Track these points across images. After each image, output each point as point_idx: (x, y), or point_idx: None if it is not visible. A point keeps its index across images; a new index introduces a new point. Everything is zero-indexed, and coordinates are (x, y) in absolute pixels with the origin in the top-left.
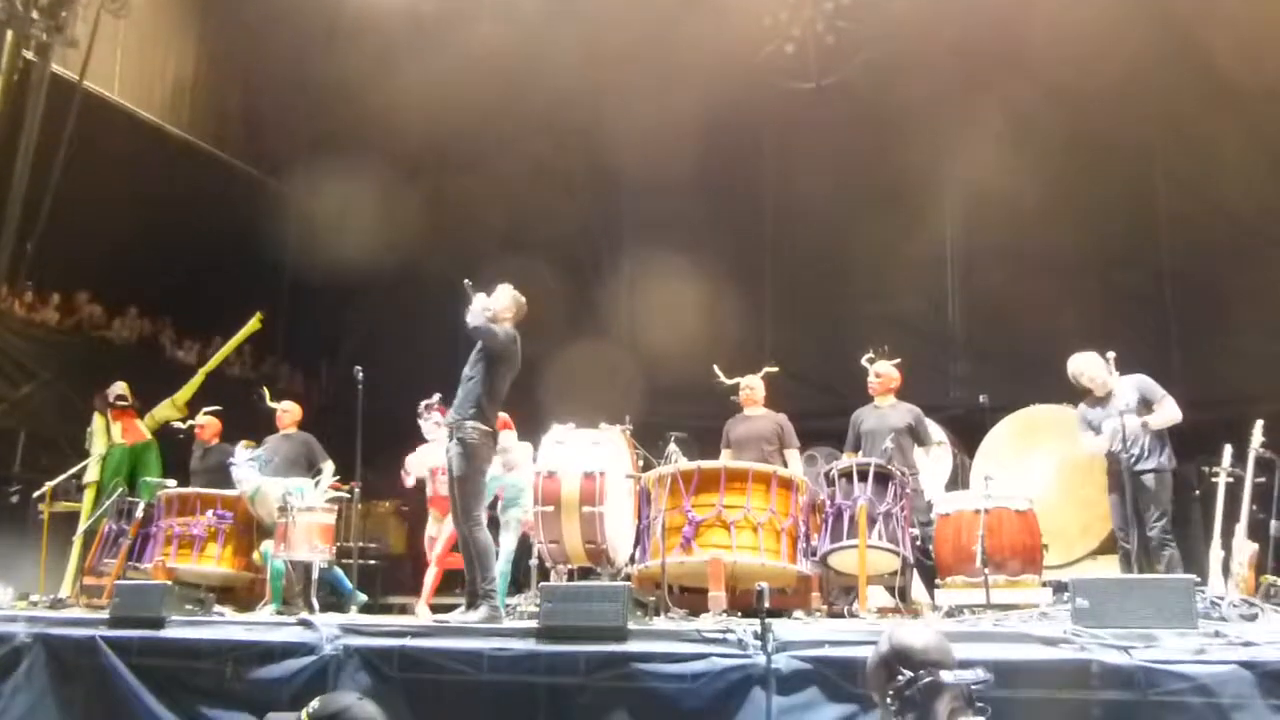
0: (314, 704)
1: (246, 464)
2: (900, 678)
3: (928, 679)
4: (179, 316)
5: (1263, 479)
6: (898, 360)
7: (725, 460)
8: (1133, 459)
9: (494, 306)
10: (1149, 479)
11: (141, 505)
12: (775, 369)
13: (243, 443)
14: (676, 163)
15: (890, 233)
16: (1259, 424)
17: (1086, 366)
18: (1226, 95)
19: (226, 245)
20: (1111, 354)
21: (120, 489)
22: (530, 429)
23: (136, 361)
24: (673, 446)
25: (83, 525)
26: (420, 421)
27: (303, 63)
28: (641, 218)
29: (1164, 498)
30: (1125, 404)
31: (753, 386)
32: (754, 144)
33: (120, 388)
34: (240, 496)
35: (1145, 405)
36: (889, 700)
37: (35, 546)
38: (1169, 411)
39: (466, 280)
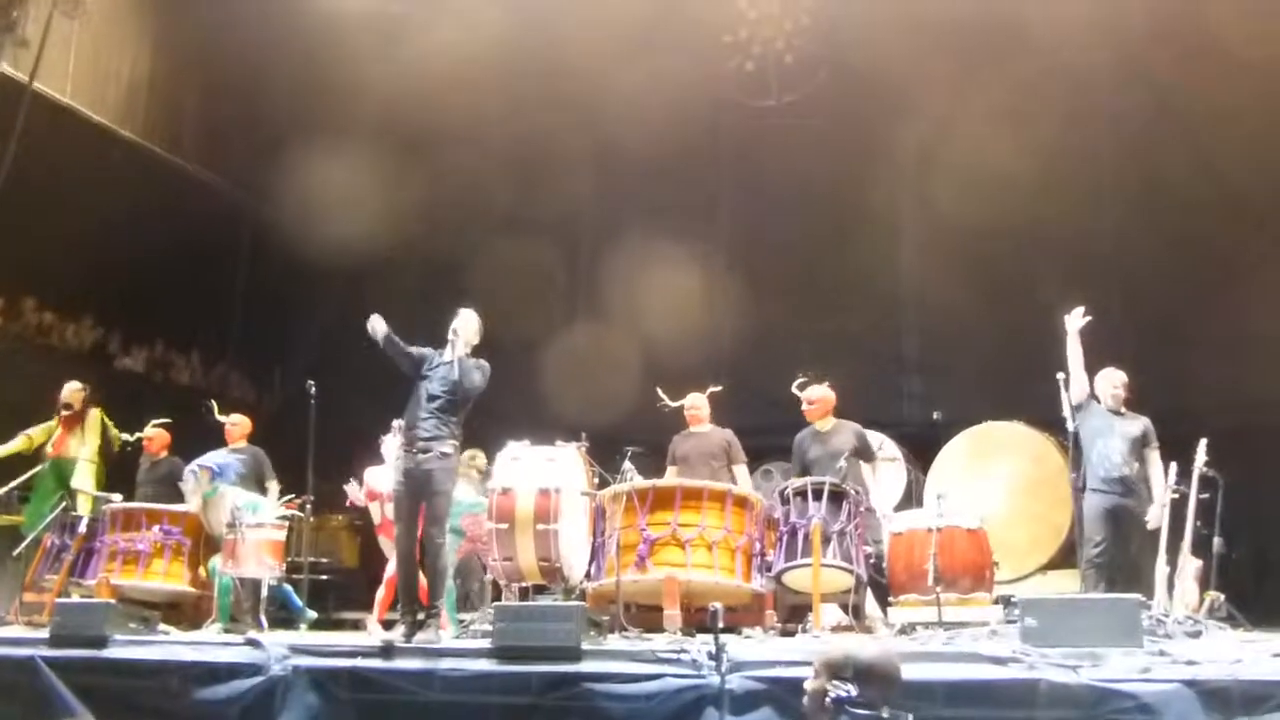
0: None
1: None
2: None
3: (871, 712)
4: (127, 324)
5: (1206, 495)
6: (827, 381)
7: (681, 479)
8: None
9: (473, 341)
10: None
11: (85, 520)
12: (719, 388)
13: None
14: (633, 177)
15: (845, 249)
16: (1203, 442)
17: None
18: (1175, 120)
19: (178, 250)
20: (1061, 375)
21: (63, 502)
22: (489, 442)
23: (84, 370)
24: (628, 464)
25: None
26: (385, 438)
27: (260, 68)
28: (599, 228)
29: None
30: (1137, 433)
31: (698, 406)
32: (713, 159)
33: (67, 392)
34: (191, 505)
35: (1145, 443)
36: (831, 705)
37: None
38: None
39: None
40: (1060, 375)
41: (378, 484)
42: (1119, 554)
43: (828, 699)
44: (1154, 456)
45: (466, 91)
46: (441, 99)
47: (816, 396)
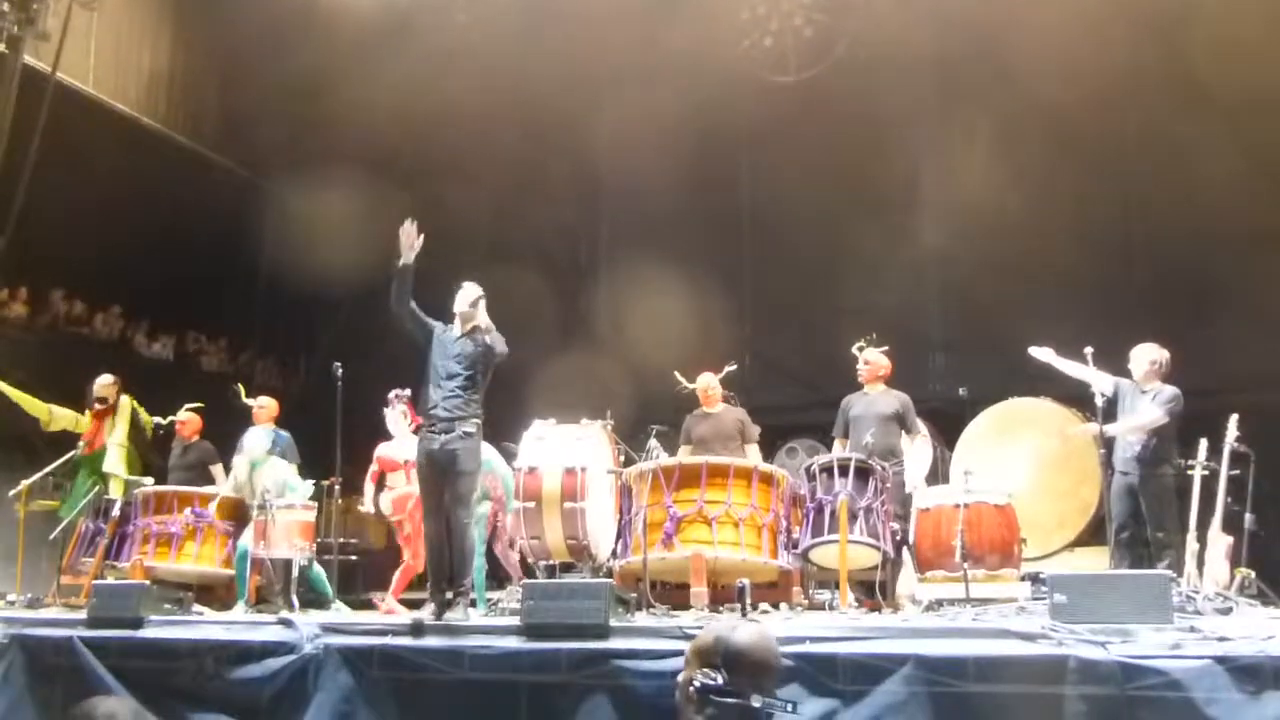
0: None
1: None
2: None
3: (739, 701)
4: (153, 311)
5: (1237, 471)
6: (886, 348)
7: (706, 456)
8: None
9: (484, 313)
10: None
11: (119, 504)
12: (734, 366)
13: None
14: (656, 162)
15: (869, 227)
16: (1233, 418)
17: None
18: (1202, 94)
19: (202, 238)
20: (1089, 349)
21: (96, 487)
22: (513, 428)
23: (112, 359)
24: (653, 441)
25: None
26: (386, 410)
27: (279, 56)
28: (622, 218)
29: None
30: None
31: (713, 386)
32: (732, 141)
33: (99, 386)
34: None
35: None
36: (696, 695)
37: (11, 546)
38: (1140, 417)
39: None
40: (1088, 350)
41: (392, 455)
42: (1140, 531)
43: (691, 688)
44: (1145, 407)
45: (488, 86)
46: (461, 95)
47: (872, 359)
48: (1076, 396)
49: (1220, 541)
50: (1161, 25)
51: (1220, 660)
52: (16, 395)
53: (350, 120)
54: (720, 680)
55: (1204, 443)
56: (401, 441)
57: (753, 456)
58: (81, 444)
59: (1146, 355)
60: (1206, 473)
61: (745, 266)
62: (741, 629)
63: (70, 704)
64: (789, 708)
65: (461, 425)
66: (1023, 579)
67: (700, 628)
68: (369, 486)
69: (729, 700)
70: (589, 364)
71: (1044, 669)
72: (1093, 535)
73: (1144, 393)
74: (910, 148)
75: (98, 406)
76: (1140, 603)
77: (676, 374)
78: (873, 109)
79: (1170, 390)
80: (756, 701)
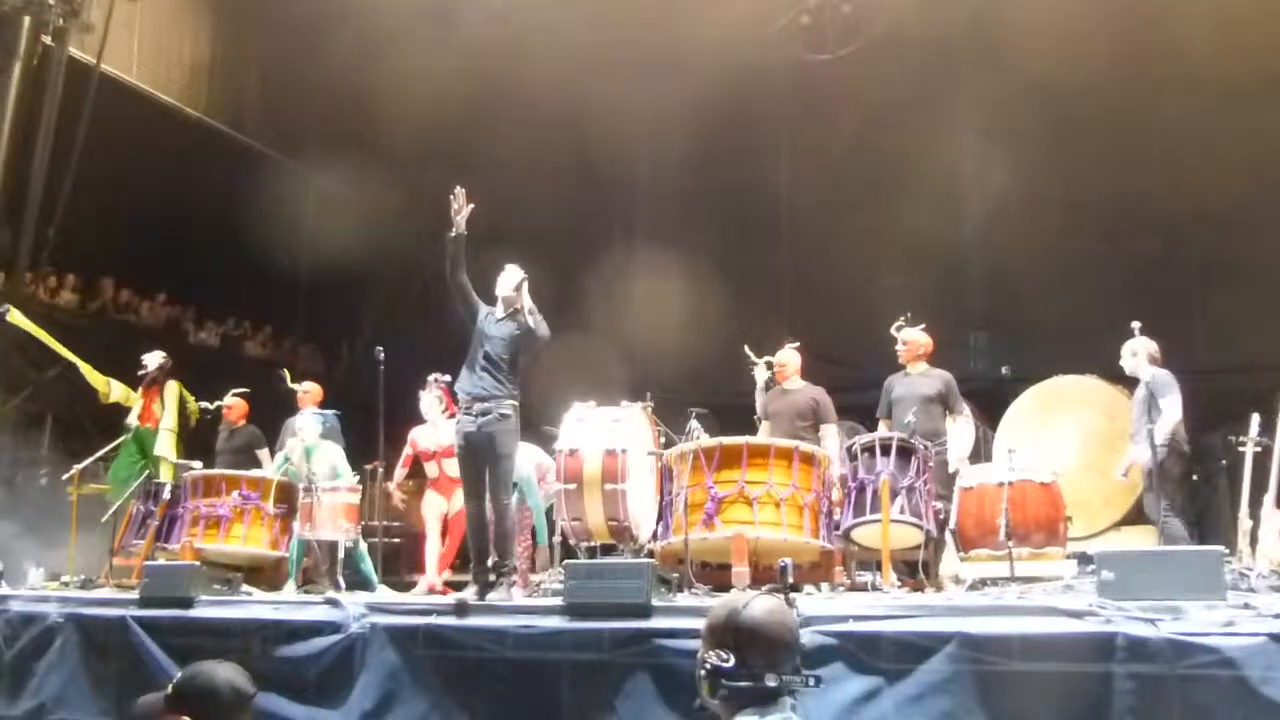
0: (178, 675)
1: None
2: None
3: (752, 683)
4: (199, 298)
5: None
6: (923, 325)
7: (747, 436)
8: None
9: (528, 298)
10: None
11: (169, 486)
12: (797, 344)
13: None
14: (691, 140)
15: (907, 207)
16: None
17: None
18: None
19: (245, 225)
20: (1137, 323)
21: (146, 471)
22: (551, 411)
23: (160, 346)
24: (694, 423)
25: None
26: (422, 393)
27: (318, 44)
28: (658, 200)
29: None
30: (1142, 394)
31: (784, 362)
32: (769, 121)
33: (147, 357)
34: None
35: (1154, 400)
36: (706, 678)
37: (65, 528)
38: (1168, 416)
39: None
40: (1135, 324)
41: (426, 443)
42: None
43: (701, 670)
44: (1163, 404)
45: (524, 71)
46: (497, 81)
47: (910, 339)
48: (1122, 374)
49: (1274, 518)
50: None
51: (1276, 638)
52: (82, 365)
53: (389, 107)
54: (731, 661)
55: (1256, 417)
56: (435, 426)
57: (828, 438)
58: (133, 416)
59: (1128, 349)
60: (1259, 448)
61: (782, 247)
62: (754, 604)
63: (125, 681)
64: (810, 682)
65: (498, 407)
66: (1069, 557)
67: None
68: (399, 471)
69: (741, 684)
70: (626, 347)
71: (1092, 647)
72: (1140, 514)
73: (1138, 382)
74: (948, 126)
75: (141, 374)
76: (1191, 579)
77: (746, 349)
78: (911, 88)
79: (1154, 377)
80: (771, 681)
